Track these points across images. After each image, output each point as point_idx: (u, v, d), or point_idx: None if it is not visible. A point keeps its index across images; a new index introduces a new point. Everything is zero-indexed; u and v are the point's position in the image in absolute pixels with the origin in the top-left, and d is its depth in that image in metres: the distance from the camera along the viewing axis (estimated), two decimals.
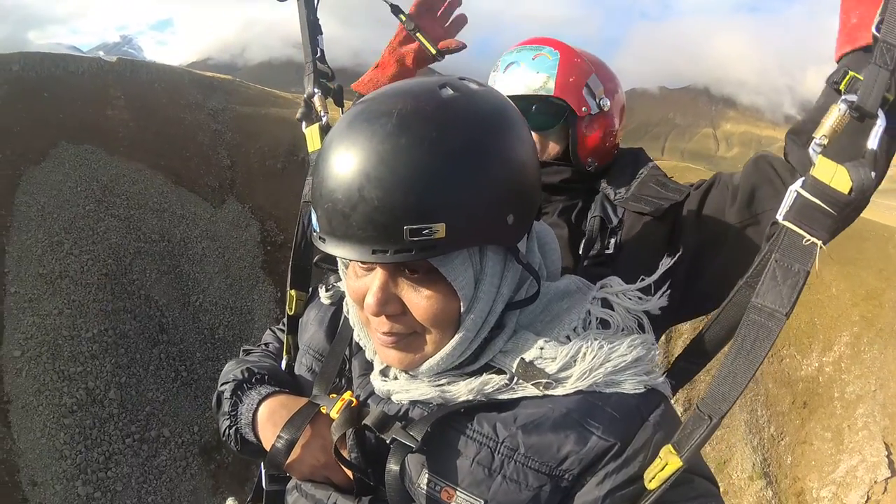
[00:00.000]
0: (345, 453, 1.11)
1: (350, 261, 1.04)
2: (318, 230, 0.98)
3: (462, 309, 1.00)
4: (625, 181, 1.78)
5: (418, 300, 0.99)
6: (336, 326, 1.32)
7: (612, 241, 1.67)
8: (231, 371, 1.35)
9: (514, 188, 0.98)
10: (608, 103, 1.80)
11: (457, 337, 1.02)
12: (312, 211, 1.00)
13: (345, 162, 0.92)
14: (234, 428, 1.27)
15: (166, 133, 21.58)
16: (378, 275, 0.99)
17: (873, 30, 0.97)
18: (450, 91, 0.97)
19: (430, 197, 0.90)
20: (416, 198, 0.89)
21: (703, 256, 1.58)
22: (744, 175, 1.54)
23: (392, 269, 0.99)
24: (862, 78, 0.96)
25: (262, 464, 1.38)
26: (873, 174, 0.95)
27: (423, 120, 0.92)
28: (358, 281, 1.04)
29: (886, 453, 16.88)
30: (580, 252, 1.68)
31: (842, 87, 0.98)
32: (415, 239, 0.90)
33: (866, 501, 16.69)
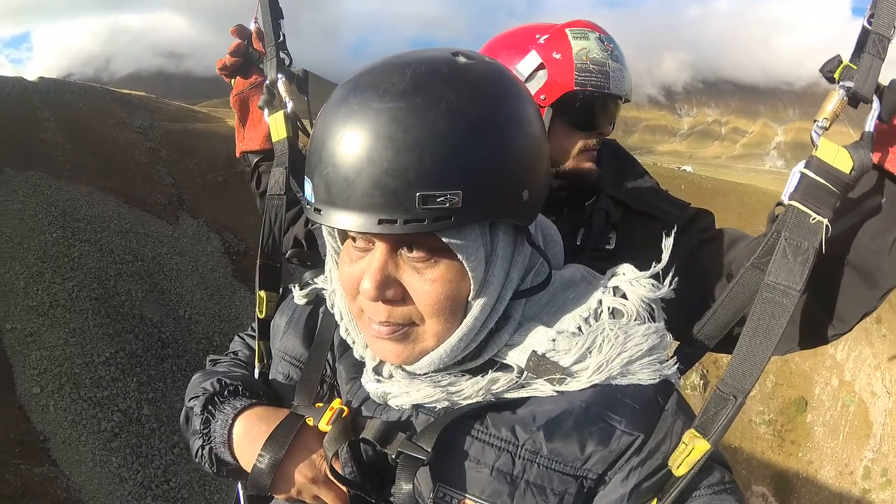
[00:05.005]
0: (338, 468, 0.98)
1: (349, 234, 0.92)
2: (312, 201, 0.87)
3: (471, 294, 0.90)
4: (617, 179, 1.62)
5: (421, 284, 0.87)
6: (313, 328, 1.17)
7: (613, 236, 1.52)
8: (199, 384, 1.16)
9: (530, 162, 0.90)
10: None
11: (464, 326, 0.91)
12: (306, 181, 0.89)
13: (349, 122, 0.82)
14: (207, 448, 1.09)
15: (104, 154, 21.02)
16: (377, 254, 0.87)
17: (865, 22, 1.00)
18: (463, 59, 0.88)
19: (447, 161, 0.79)
20: (432, 161, 0.79)
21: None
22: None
23: (392, 248, 0.87)
24: (855, 67, 1.00)
25: (240, 485, 1.29)
26: (870, 154, 0.98)
27: (439, 81, 0.83)
28: (353, 266, 0.91)
29: None
30: (577, 243, 1.51)
31: (836, 75, 1.01)
32: (428, 207, 0.79)
33: None
